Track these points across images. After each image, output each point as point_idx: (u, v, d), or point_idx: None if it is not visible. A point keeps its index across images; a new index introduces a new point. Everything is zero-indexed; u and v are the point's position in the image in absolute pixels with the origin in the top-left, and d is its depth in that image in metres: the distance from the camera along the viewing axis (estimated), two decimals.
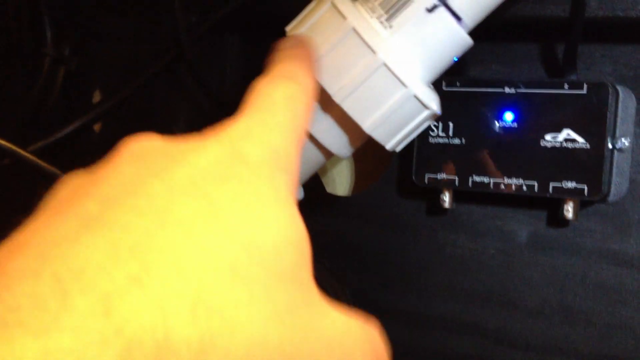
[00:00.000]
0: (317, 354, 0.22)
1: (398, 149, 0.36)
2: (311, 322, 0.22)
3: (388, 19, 0.32)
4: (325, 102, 0.34)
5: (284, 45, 0.32)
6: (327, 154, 0.37)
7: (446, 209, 0.48)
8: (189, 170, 0.22)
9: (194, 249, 0.20)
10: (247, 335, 0.20)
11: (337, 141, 0.36)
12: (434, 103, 0.34)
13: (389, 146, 0.35)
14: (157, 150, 0.23)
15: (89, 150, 0.55)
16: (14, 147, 0.40)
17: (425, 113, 0.34)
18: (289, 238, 0.22)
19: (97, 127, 0.54)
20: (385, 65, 0.32)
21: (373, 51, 0.32)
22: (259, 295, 0.20)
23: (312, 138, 0.36)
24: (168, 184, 0.21)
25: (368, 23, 0.32)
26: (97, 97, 0.55)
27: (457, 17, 0.33)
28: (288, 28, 0.35)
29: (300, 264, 0.22)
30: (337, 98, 0.32)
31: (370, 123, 0.33)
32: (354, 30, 0.32)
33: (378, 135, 0.34)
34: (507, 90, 0.43)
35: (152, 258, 0.19)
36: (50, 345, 0.16)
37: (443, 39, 0.33)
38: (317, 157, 0.37)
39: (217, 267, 0.20)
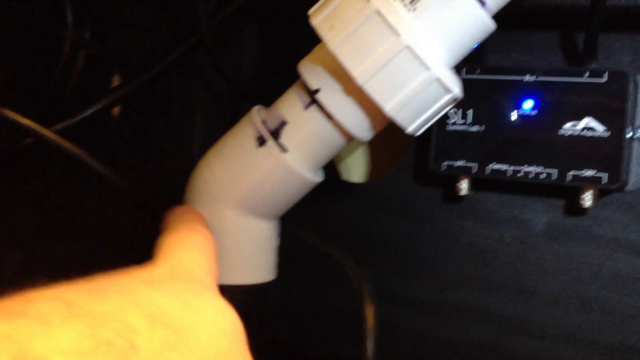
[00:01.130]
0: None
1: (418, 133, 0.36)
2: None
3: (412, 2, 0.32)
4: (348, 84, 0.35)
5: (175, 213, 0.37)
6: (348, 136, 0.37)
7: (463, 197, 0.48)
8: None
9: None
10: None
11: (358, 124, 0.36)
12: (456, 87, 0.34)
13: (410, 130, 0.35)
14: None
15: (107, 134, 0.56)
16: (37, 127, 0.41)
17: (448, 97, 0.34)
18: (222, 325, 0.26)
19: (115, 111, 0.54)
20: (409, 47, 0.32)
21: (396, 33, 0.32)
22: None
23: (333, 120, 0.36)
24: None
25: (391, 5, 0.32)
26: (116, 82, 0.55)
27: (481, 1, 0.33)
28: (311, 11, 0.35)
29: (236, 342, 0.26)
30: (359, 80, 0.32)
31: (392, 106, 0.33)
32: (378, 12, 0.32)
33: (400, 119, 0.34)
34: (527, 78, 0.43)
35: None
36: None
37: (466, 22, 0.33)
38: (337, 139, 0.37)
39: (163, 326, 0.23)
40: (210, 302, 0.26)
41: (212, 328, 0.24)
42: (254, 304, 0.43)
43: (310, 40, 0.36)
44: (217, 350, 0.24)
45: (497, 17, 0.34)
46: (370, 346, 0.41)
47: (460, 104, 0.44)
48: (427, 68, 0.32)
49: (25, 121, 0.41)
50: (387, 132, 0.40)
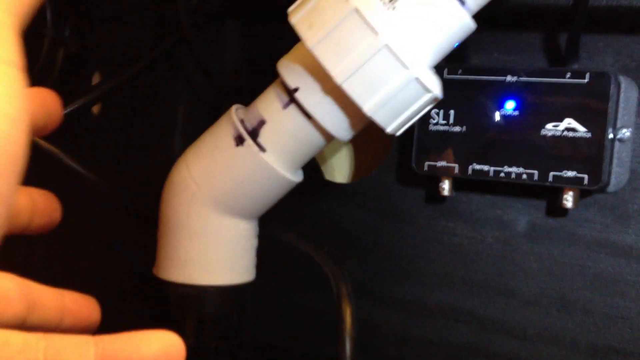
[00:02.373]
0: None
1: (398, 133, 0.36)
2: None
3: (391, 0, 0.32)
4: (326, 83, 0.34)
5: None
6: (327, 136, 0.37)
7: (445, 197, 0.48)
8: None
9: None
10: None
11: (337, 123, 0.36)
12: (436, 87, 0.34)
13: (389, 129, 0.34)
14: None
15: (88, 132, 0.55)
16: None
17: (427, 97, 0.33)
18: None
19: (95, 109, 0.54)
20: (388, 46, 0.31)
21: (375, 32, 0.31)
22: None
23: (312, 120, 0.36)
24: None
25: (370, 4, 0.32)
26: (96, 80, 0.54)
27: (461, 0, 0.33)
28: (290, 9, 0.35)
29: None
30: (338, 79, 0.32)
31: (371, 105, 0.33)
32: (357, 10, 0.31)
33: (379, 118, 0.33)
34: (508, 78, 0.43)
35: None
36: None
37: (446, 21, 0.33)
38: (316, 139, 0.37)
39: None
40: None
41: None
42: (233, 305, 0.42)
43: (293, 38, 0.35)
44: None
45: (479, 16, 0.34)
46: (348, 346, 0.40)
47: (442, 105, 0.44)
48: (405, 67, 0.32)
49: None
50: (370, 131, 0.39)
